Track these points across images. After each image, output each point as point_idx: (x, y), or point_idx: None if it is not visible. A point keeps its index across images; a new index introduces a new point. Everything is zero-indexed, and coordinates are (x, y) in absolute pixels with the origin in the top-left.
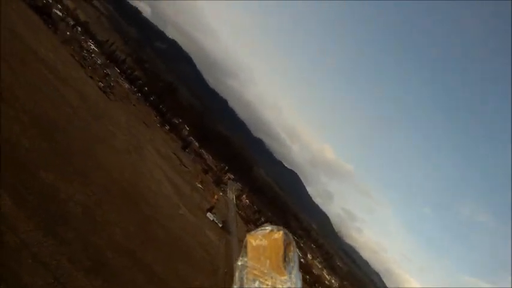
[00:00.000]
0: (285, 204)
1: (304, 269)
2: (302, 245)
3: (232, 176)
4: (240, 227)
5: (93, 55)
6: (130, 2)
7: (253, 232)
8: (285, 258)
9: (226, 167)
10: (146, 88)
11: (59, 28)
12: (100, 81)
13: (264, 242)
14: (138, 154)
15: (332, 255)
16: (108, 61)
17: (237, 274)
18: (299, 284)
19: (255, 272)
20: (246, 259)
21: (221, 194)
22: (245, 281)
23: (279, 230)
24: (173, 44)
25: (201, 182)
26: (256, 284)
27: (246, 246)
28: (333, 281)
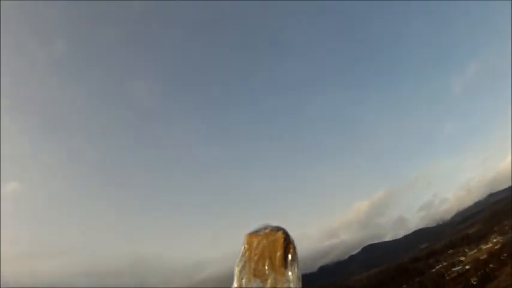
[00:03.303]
0: None
1: None
2: None
3: None
4: None
5: None
6: None
7: (253, 231)
8: (285, 258)
9: None
10: None
11: None
12: None
13: (264, 242)
14: None
15: None
16: None
17: (236, 274)
18: (299, 283)
19: (255, 272)
20: (245, 259)
21: None
22: (245, 281)
23: (278, 230)
24: None
25: None
26: (256, 284)
27: (245, 246)
28: None
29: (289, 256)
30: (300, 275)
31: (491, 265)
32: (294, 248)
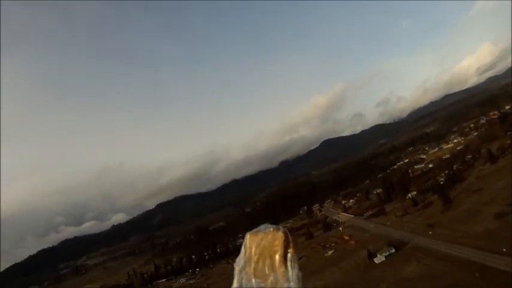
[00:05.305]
0: None
1: None
2: None
3: None
4: None
5: None
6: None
7: (253, 231)
8: (285, 258)
9: None
10: None
11: None
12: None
13: (264, 242)
14: None
15: None
16: None
17: (236, 274)
18: (299, 283)
19: (255, 271)
20: (245, 259)
21: None
22: (245, 280)
23: (279, 230)
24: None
25: None
26: (256, 284)
27: (246, 246)
28: None
29: (289, 256)
30: (300, 275)
31: (456, 166)
32: (294, 248)
